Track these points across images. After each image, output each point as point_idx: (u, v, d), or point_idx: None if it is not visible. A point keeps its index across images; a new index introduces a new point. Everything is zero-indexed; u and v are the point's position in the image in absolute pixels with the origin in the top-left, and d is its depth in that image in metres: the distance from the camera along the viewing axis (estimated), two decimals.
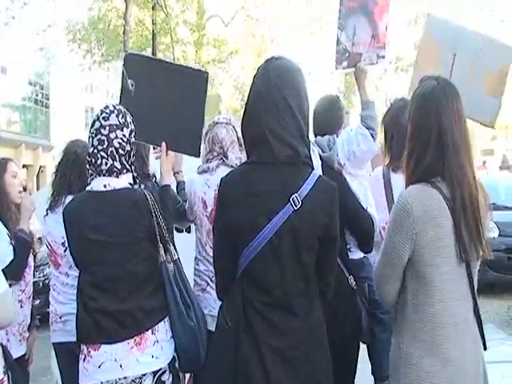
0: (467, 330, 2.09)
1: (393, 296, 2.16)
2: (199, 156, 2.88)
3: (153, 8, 16.94)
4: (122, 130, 2.33)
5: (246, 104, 2.10)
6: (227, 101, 26.11)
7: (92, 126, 2.35)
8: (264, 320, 2.02)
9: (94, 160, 2.32)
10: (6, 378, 2.29)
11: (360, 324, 2.90)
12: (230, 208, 2.04)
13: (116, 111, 2.35)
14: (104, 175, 2.31)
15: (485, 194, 2.15)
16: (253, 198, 2.01)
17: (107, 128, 2.31)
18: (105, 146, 2.30)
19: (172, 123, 2.69)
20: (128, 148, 2.34)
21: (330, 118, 3.19)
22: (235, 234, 2.03)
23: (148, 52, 18.23)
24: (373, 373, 3.05)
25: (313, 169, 2.07)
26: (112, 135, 2.31)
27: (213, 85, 22.31)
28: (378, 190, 3.01)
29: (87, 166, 2.36)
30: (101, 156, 2.31)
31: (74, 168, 3.01)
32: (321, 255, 2.08)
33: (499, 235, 8.27)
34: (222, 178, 2.13)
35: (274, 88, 2.03)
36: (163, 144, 2.65)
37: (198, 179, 3.02)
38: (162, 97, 2.70)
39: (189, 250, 3.07)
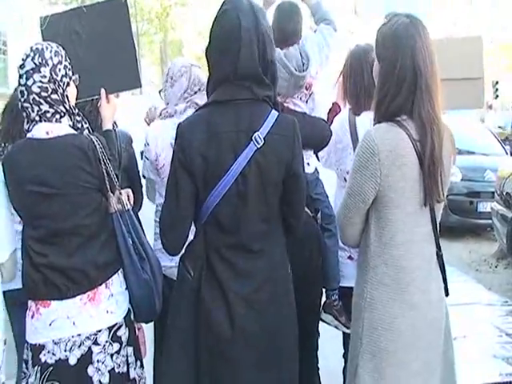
0: (431, 274, 2.10)
1: (356, 238, 2.16)
2: (141, 86, 2.77)
3: None
4: (40, 72, 2.15)
5: (218, 37, 2.04)
6: (189, 47, 25.65)
7: None
8: (227, 264, 2.04)
9: (24, 113, 2.19)
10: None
11: (322, 250, 2.93)
12: (192, 151, 1.99)
13: (32, 53, 2.17)
14: (45, 121, 2.16)
15: (452, 138, 2.13)
16: (215, 138, 2.00)
17: (24, 76, 2.16)
18: (26, 97, 2.15)
19: (105, 65, 2.57)
20: (52, 86, 2.17)
21: (297, 28, 3.02)
22: (200, 177, 1.99)
23: None
24: (324, 286, 3.05)
25: (272, 108, 2.06)
26: (30, 82, 2.14)
27: (175, 30, 21.81)
28: (342, 133, 2.96)
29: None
30: (25, 107, 2.16)
31: (16, 122, 2.82)
32: (288, 196, 2.10)
33: (462, 179, 8.36)
34: (179, 123, 2.07)
35: (260, 22, 2.03)
36: (102, 91, 2.52)
37: (161, 125, 2.83)
38: (88, 44, 2.57)
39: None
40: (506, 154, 9.07)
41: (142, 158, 2.95)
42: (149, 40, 24.08)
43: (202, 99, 2.76)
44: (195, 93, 2.78)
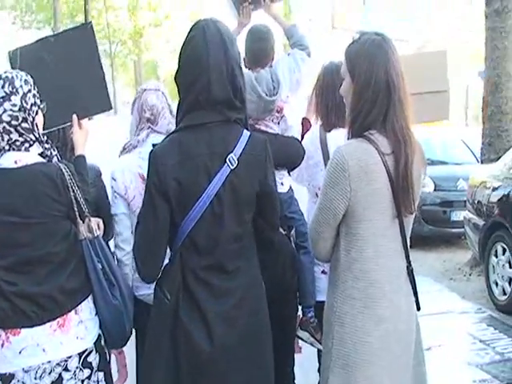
0: (401, 289, 2.11)
1: (327, 252, 2.18)
2: (112, 108, 2.74)
3: None
4: (10, 100, 2.14)
5: (187, 64, 2.04)
6: (164, 66, 25.60)
7: None
8: (204, 285, 2.02)
9: None
10: None
11: (297, 267, 2.95)
12: (166, 176, 1.97)
13: (2, 81, 2.16)
14: (13, 150, 2.15)
15: (421, 149, 2.16)
16: (188, 161, 1.98)
17: None
18: None
19: (75, 91, 2.56)
20: (22, 115, 2.15)
21: (268, 48, 3.05)
22: (175, 201, 1.98)
23: (80, 19, 17.49)
24: (301, 303, 3.06)
25: (244, 128, 2.07)
26: (0, 111, 2.13)
27: (149, 50, 21.81)
28: (313, 149, 2.99)
29: None
30: None
31: None
32: (263, 212, 2.13)
33: (434, 190, 8.47)
34: (151, 151, 2.05)
35: (228, 48, 2.02)
36: (74, 117, 2.50)
37: (127, 157, 2.74)
38: (56, 72, 2.56)
39: None
40: (478, 162, 9.18)
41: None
42: (121, 62, 24.00)
43: (160, 124, 2.74)
44: (148, 120, 2.71)
